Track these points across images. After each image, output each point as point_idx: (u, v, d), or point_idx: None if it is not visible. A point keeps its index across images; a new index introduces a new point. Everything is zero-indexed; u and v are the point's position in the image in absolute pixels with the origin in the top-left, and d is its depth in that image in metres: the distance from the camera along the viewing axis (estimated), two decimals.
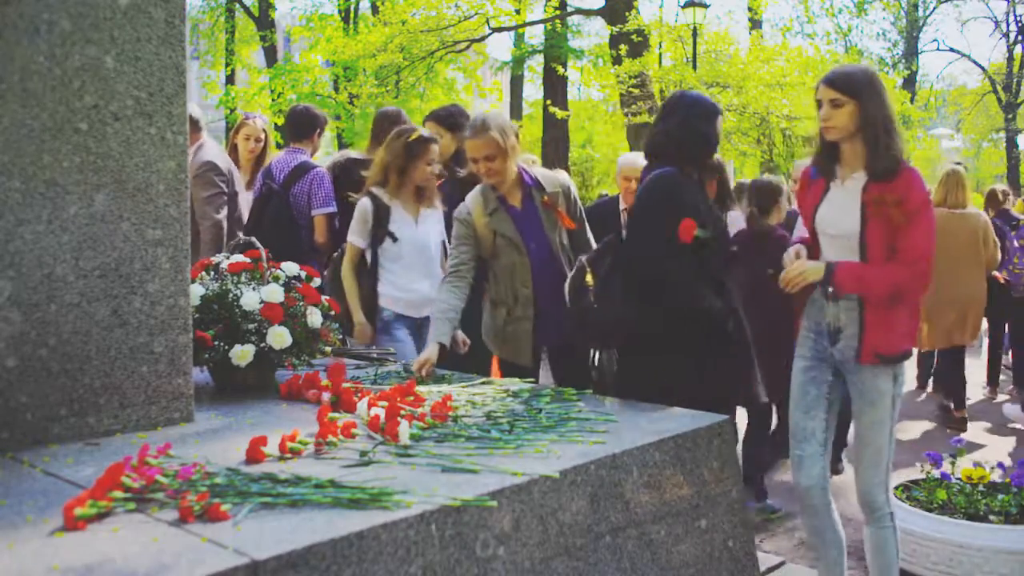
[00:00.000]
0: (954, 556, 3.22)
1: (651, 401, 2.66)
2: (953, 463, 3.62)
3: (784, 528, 4.03)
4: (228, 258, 3.02)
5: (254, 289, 2.82)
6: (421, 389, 2.67)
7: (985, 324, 7.19)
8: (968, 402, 6.83)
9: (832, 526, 2.89)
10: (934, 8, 28.98)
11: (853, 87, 2.64)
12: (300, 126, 4.73)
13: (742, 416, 4.27)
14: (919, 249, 2.60)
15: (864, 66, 2.81)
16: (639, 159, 5.33)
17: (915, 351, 6.65)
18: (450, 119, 4.14)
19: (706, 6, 14.39)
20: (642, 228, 2.97)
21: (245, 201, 4.73)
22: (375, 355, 3.46)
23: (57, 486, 1.88)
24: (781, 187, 4.66)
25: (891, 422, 2.73)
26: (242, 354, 2.71)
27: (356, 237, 3.86)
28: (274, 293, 2.81)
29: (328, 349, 3.04)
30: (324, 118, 4.87)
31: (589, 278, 2.99)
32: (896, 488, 3.65)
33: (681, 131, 3.00)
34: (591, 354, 3.24)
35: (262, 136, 4.88)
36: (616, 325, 2.90)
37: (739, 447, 3.64)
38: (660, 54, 15.71)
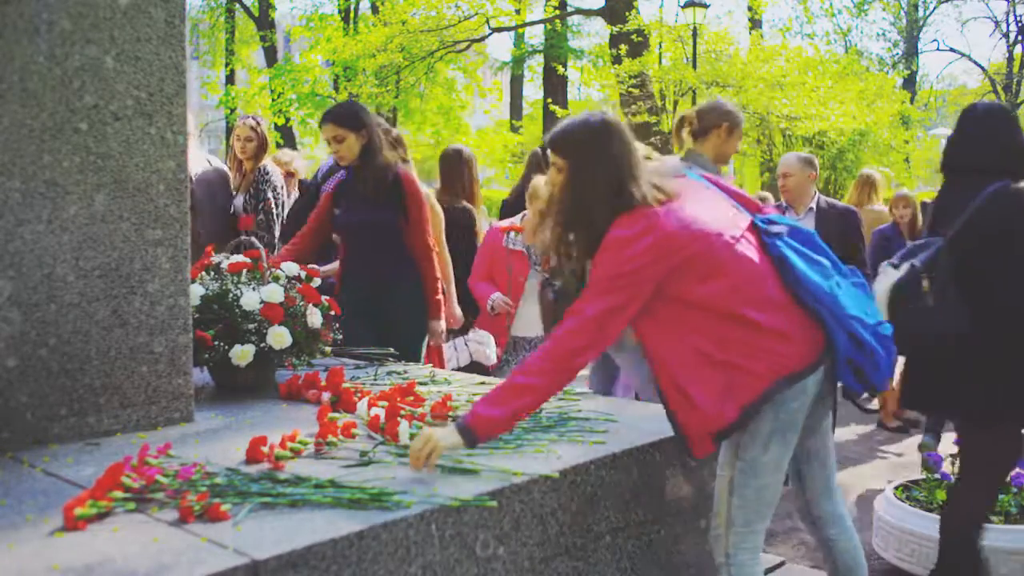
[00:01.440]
0: None
1: (969, 421, 2.46)
2: (953, 463, 3.62)
3: (784, 528, 4.03)
4: (228, 258, 3.02)
5: (254, 289, 2.82)
6: (421, 389, 2.67)
7: None
8: None
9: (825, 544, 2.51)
10: (934, 8, 28.96)
11: (564, 148, 2.26)
12: None
13: None
14: (576, 307, 2.15)
15: (590, 117, 2.28)
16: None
17: None
18: (355, 119, 3.82)
19: (706, 6, 14.40)
20: (1004, 247, 2.78)
21: (218, 204, 4.73)
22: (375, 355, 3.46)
23: (57, 486, 1.88)
24: None
25: (730, 472, 2.24)
26: (242, 354, 2.71)
27: None
28: (274, 293, 2.81)
29: (328, 349, 3.04)
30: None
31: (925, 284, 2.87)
32: (896, 488, 3.65)
33: (1015, 143, 2.97)
34: None
35: (252, 135, 4.82)
36: (953, 338, 2.72)
37: None
38: (660, 54, 15.73)
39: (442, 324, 3.89)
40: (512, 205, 5.31)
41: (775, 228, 2.31)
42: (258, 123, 4.86)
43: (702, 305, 2.15)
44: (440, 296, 3.88)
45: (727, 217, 2.26)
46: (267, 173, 4.75)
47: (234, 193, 4.87)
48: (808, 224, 4.43)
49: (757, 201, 2.44)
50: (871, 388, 2.28)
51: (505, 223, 4.39)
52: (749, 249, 2.22)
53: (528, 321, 4.25)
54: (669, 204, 2.20)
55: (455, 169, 4.87)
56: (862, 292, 2.35)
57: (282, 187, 4.83)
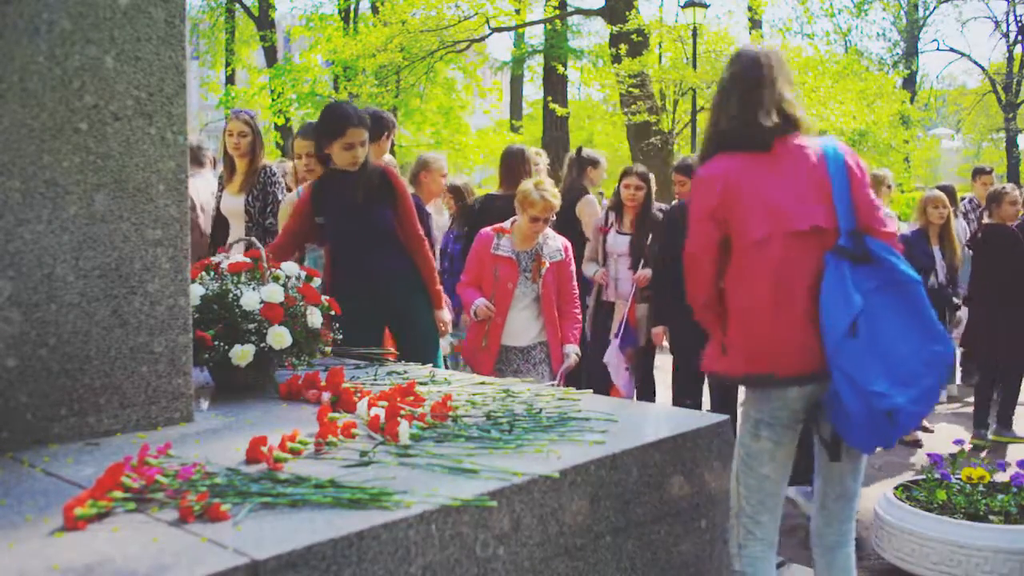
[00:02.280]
0: (954, 556, 3.22)
1: None
2: (953, 463, 3.62)
3: (784, 528, 4.03)
4: (228, 258, 3.02)
5: (254, 289, 2.82)
6: (421, 389, 2.67)
7: None
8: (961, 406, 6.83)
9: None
10: (934, 8, 28.95)
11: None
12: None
13: None
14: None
15: (740, 49, 2.52)
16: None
17: None
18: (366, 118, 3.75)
19: (706, 6, 14.39)
20: None
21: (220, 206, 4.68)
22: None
23: (57, 486, 1.88)
24: (1004, 191, 5.70)
25: (736, 462, 2.37)
26: (242, 354, 2.71)
27: None
28: (274, 293, 2.81)
29: (328, 349, 3.04)
30: (388, 121, 4.58)
31: None
32: (896, 488, 3.65)
33: None
34: None
35: (247, 131, 4.68)
36: None
37: None
38: (660, 54, 15.73)
39: (446, 313, 3.88)
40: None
41: (847, 244, 2.22)
42: (251, 117, 4.68)
43: (741, 267, 2.29)
44: (440, 286, 3.86)
45: (800, 207, 2.24)
46: (274, 174, 4.61)
47: (219, 191, 4.75)
48: None
49: (873, 207, 2.29)
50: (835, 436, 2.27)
51: (496, 226, 4.17)
52: (800, 247, 2.23)
53: (517, 330, 4.09)
54: (768, 159, 2.31)
55: (518, 166, 5.06)
56: (918, 357, 2.17)
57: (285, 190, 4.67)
